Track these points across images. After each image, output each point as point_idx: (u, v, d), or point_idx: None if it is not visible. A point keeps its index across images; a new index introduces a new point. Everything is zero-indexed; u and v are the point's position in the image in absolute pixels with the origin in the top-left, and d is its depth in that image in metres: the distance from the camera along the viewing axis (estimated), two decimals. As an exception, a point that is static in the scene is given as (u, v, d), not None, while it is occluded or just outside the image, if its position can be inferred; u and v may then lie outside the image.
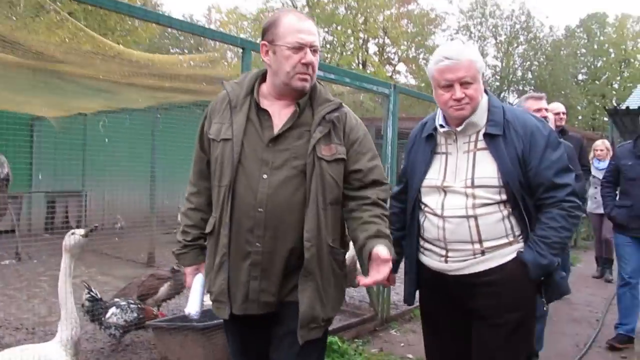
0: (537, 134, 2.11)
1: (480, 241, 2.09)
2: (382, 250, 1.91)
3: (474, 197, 2.08)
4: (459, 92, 2.05)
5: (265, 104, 2.02)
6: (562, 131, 4.57)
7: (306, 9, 30.75)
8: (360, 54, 32.57)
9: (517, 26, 30.69)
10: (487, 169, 2.09)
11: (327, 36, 32.03)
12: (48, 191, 7.09)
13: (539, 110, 3.58)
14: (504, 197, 2.08)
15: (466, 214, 2.09)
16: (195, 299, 2.14)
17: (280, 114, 2.01)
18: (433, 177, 2.19)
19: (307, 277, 1.96)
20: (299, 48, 1.93)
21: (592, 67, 40.66)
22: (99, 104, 6.00)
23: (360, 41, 32.93)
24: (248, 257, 1.96)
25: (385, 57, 34.92)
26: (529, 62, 30.96)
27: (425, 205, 2.22)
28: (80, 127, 7.14)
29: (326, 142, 1.98)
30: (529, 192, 2.10)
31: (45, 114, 5.65)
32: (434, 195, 2.18)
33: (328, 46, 32.12)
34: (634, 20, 40.11)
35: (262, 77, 2.09)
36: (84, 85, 4.60)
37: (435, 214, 2.16)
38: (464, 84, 2.05)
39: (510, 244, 2.11)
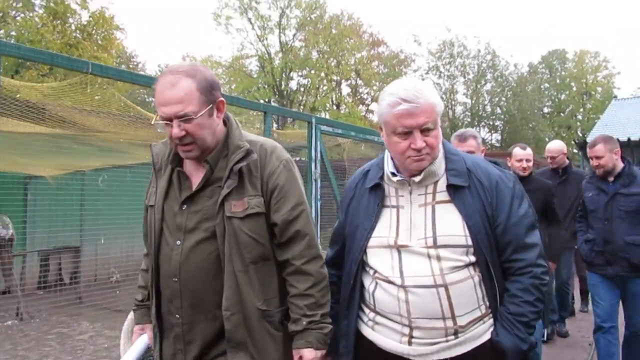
0: (502, 185, 1.84)
1: (453, 317, 1.74)
2: (307, 354, 1.79)
3: (439, 259, 1.75)
4: (419, 141, 1.74)
5: (186, 163, 1.87)
6: (528, 177, 4.25)
7: (280, 54, 31.55)
8: (334, 96, 33.37)
9: (484, 65, 32.04)
10: (452, 225, 1.77)
11: (301, 80, 32.87)
12: (42, 249, 7.09)
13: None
14: (472, 258, 1.76)
15: (434, 282, 1.73)
16: (129, 357, 2.00)
17: (197, 173, 1.84)
18: (382, 234, 1.84)
19: (235, 349, 1.77)
20: (166, 124, 1.75)
21: (557, 100, 42.59)
22: (104, 161, 6.14)
23: (334, 83, 33.80)
24: (172, 330, 1.84)
25: (358, 97, 35.80)
26: (497, 98, 32.19)
27: (376, 271, 1.85)
28: (78, 183, 7.24)
29: (238, 196, 1.77)
30: (497, 252, 1.81)
31: (48, 173, 5.78)
32: (386, 257, 1.82)
33: (302, 89, 32.87)
34: (592, 55, 42.42)
35: None
36: (96, 147, 4.76)
37: (391, 283, 1.79)
38: (425, 130, 1.74)
39: (481, 318, 1.80)
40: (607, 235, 3.88)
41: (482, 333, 1.78)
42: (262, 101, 31.69)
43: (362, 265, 1.89)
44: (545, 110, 41.75)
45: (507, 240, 1.80)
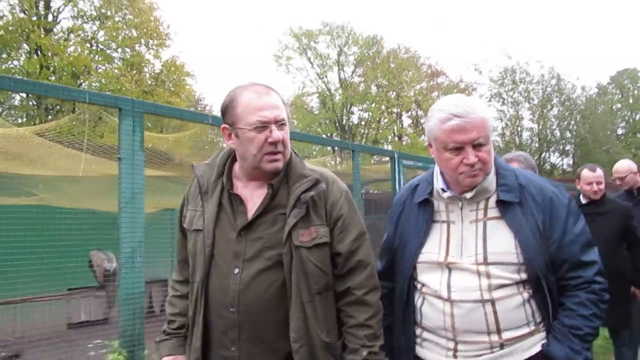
0: (556, 202, 1.79)
1: (498, 331, 1.72)
2: None
3: (489, 276, 1.72)
4: (472, 157, 1.71)
5: (238, 186, 1.81)
6: (601, 200, 3.98)
7: (339, 90, 32.16)
8: (395, 128, 33.45)
9: (549, 89, 31.21)
10: (503, 242, 1.74)
11: (362, 113, 33.25)
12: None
13: None
14: (524, 276, 1.73)
15: (481, 297, 1.71)
16: None
17: (253, 198, 1.79)
18: (432, 250, 1.83)
19: None
20: (263, 127, 1.71)
21: (631, 120, 40.48)
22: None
23: (394, 115, 33.94)
24: None
25: (420, 128, 35.70)
26: (565, 122, 31.13)
27: (424, 285, 1.85)
28: (168, 219, 7.62)
29: (305, 225, 1.73)
30: (552, 270, 1.76)
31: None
32: (435, 274, 1.81)
33: (363, 123, 33.21)
34: (666, 72, 40.20)
35: (235, 156, 1.87)
36: (186, 183, 5.07)
37: (439, 297, 1.78)
38: (477, 146, 1.71)
39: (531, 334, 1.75)
40: None
41: (531, 346, 1.74)
42: (324, 136, 32.32)
43: (413, 282, 1.88)
44: (620, 131, 39.82)
45: (563, 258, 1.75)
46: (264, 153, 1.72)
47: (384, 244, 2.08)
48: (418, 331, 1.88)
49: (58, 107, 17.34)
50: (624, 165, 4.90)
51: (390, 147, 32.96)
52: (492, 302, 1.70)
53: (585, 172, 3.99)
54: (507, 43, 60.29)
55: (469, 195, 1.79)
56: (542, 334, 1.75)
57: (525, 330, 1.74)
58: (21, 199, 5.85)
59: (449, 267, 1.78)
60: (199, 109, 32.62)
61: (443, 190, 1.84)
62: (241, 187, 1.81)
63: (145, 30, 19.12)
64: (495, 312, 1.70)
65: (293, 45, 32.10)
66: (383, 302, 1.88)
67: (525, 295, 1.73)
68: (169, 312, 1.96)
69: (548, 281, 1.73)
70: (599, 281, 1.76)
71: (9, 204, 5.59)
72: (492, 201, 1.79)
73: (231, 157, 1.87)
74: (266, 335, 1.71)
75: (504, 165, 1.87)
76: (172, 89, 20.33)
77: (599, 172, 3.96)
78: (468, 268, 1.74)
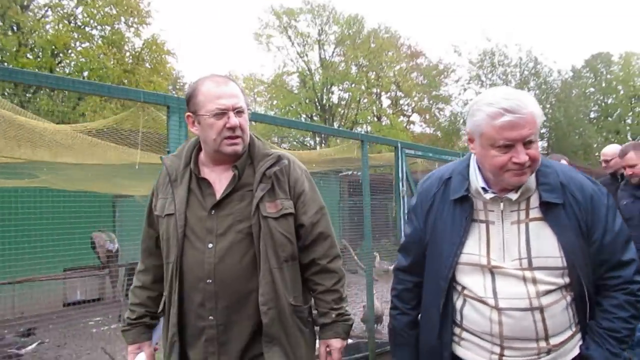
0: (597, 200, 1.75)
1: (546, 338, 1.71)
2: (335, 344, 2.00)
3: (535, 282, 1.69)
4: (523, 155, 1.62)
5: (205, 172, 1.97)
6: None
7: (320, 70, 32.16)
8: (374, 108, 33.67)
9: (526, 72, 31.70)
10: (547, 245, 1.70)
11: (342, 94, 33.36)
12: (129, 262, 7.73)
13: None
14: (567, 280, 1.71)
15: (530, 305, 1.69)
16: None
17: (220, 180, 1.95)
18: (473, 252, 1.77)
19: (271, 343, 1.85)
20: (222, 114, 1.87)
21: (603, 104, 41.48)
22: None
23: (374, 96, 34.12)
24: (202, 333, 1.86)
25: (399, 108, 35.96)
26: (541, 105, 31.66)
27: (464, 288, 1.80)
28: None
29: (271, 198, 1.91)
30: (592, 271, 1.74)
31: (141, 193, 6.35)
32: (477, 277, 1.77)
33: (343, 103, 33.33)
34: (639, 57, 41.20)
35: (200, 146, 2.03)
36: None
37: (485, 303, 1.74)
38: (527, 143, 1.64)
39: (572, 336, 1.77)
40: None
41: (572, 348, 1.76)
42: (304, 116, 32.37)
43: (452, 283, 1.82)
44: (592, 115, 40.78)
45: (603, 258, 1.73)
46: (223, 137, 1.88)
47: (409, 238, 1.98)
48: (457, 331, 1.84)
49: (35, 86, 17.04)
50: (611, 148, 5.11)
51: (369, 128, 33.21)
52: (541, 309, 1.68)
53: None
54: (487, 25, 60.92)
55: (514, 196, 1.71)
56: (580, 335, 1.77)
57: (569, 333, 1.75)
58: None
59: (492, 271, 1.73)
60: (177, 87, 32.31)
61: (484, 189, 1.75)
62: (208, 172, 1.96)
63: (125, 8, 18.81)
64: (543, 320, 1.69)
65: (274, 24, 31.86)
66: (405, 296, 1.95)
67: (568, 298, 1.73)
68: (131, 302, 2.09)
69: (588, 283, 1.71)
70: (638, 281, 1.73)
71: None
72: (534, 201, 1.73)
73: (197, 147, 2.02)
74: (241, 303, 1.85)
75: (545, 161, 1.78)
76: (152, 67, 20.12)
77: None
78: (513, 274, 1.70)
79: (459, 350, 1.83)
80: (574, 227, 1.70)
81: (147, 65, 19.71)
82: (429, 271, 1.89)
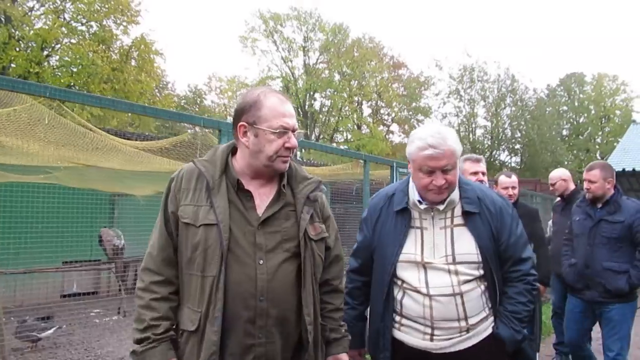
0: (504, 211, 2.23)
1: (466, 318, 2.11)
2: (344, 358, 2.05)
3: (457, 273, 2.11)
4: (440, 180, 2.08)
5: (243, 183, 1.90)
6: (515, 204, 4.24)
7: (304, 76, 32.62)
8: (355, 116, 34.20)
9: (504, 89, 32.68)
10: (467, 245, 2.13)
11: (324, 100, 33.83)
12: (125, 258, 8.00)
13: (475, 173, 3.61)
14: (481, 272, 2.14)
15: (453, 292, 2.10)
16: None
17: (260, 194, 1.91)
18: (410, 251, 2.17)
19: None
20: (284, 132, 1.87)
21: (575, 123, 43.03)
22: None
23: (355, 104, 34.68)
24: (249, 352, 1.79)
25: (379, 118, 36.59)
26: (516, 122, 32.72)
27: (404, 282, 2.18)
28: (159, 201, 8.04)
29: (312, 221, 1.94)
30: (500, 266, 2.19)
31: (142, 193, 6.68)
32: (413, 271, 2.16)
33: (325, 110, 33.82)
34: (610, 78, 42.91)
35: (231, 153, 1.97)
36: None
37: (419, 292, 2.13)
38: (445, 170, 2.08)
39: (486, 318, 2.17)
40: (589, 259, 3.97)
41: (486, 328, 2.17)
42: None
43: (393, 278, 2.20)
44: (564, 133, 42.22)
45: (509, 255, 2.20)
46: (279, 155, 1.87)
47: (360, 244, 2.39)
48: (397, 318, 2.22)
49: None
50: (556, 172, 5.44)
51: (350, 136, 33.79)
52: (461, 295, 2.10)
53: (502, 178, 4.42)
54: (469, 41, 62.29)
55: (441, 207, 2.17)
56: (492, 318, 2.18)
57: (483, 315, 2.16)
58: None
59: (425, 266, 2.14)
60: (161, 85, 32.34)
61: (420, 202, 2.19)
62: (246, 184, 1.89)
63: (115, 5, 18.95)
64: (463, 303, 2.10)
65: (260, 28, 32.25)
66: (355, 293, 2.36)
67: (482, 287, 2.15)
68: (151, 317, 1.81)
69: (497, 275, 2.17)
70: (533, 273, 2.24)
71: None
72: (457, 211, 2.19)
73: (229, 155, 1.96)
74: (286, 321, 1.85)
75: (465, 180, 2.31)
76: (139, 66, 20.24)
77: (514, 178, 4.40)
78: (441, 267, 2.12)
79: (398, 334, 2.21)
80: (487, 231, 2.16)
81: (133, 63, 19.84)
82: (376, 270, 2.29)
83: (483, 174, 3.66)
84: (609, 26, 64.20)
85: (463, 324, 2.11)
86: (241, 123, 1.89)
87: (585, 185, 4.04)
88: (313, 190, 1.96)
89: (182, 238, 1.85)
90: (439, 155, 2.05)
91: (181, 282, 1.87)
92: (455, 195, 2.17)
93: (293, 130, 1.90)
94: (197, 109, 32.71)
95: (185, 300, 1.84)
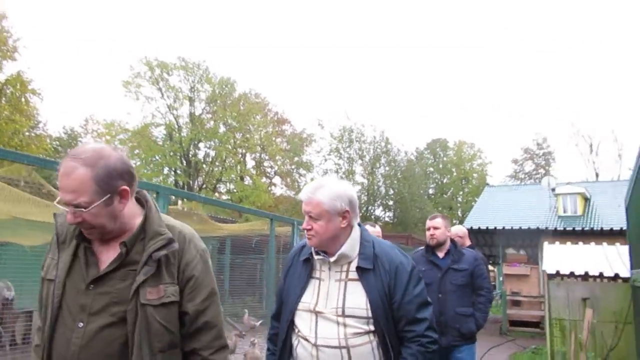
0: (401, 269, 2.21)
1: None
2: None
3: (345, 326, 2.13)
4: (305, 223, 2.23)
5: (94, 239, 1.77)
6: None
7: (189, 125, 32.49)
8: (239, 168, 34.53)
9: (379, 150, 35.11)
10: (358, 299, 2.15)
11: (209, 150, 33.83)
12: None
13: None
14: (372, 327, 2.14)
15: (339, 344, 2.12)
16: None
17: (108, 251, 1.75)
18: (307, 300, 2.23)
19: None
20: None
21: (440, 183, 47.65)
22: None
23: (240, 156, 35.10)
24: None
25: (262, 170, 37.30)
26: (389, 181, 35.17)
27: (299, 330, 2.23)
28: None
29: (154, 283, 1.71)
30: (393, 323, 2.18)
31: (29, 242, 6.40)
32: (307, 319, 2.21)
33: (209, 160, 33.75)
34: (469, 145, 48.59)
35: None
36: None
37: (308, 341, 2.18)
38: (312, 218, 2.19)
39: None
40: (442, 307, 4.11)
41: None
42: (166, 169, 32.13)
43: (292, 324, 2.27)
44: (431, 191, 46.40)
45: (401, 314, 2.18)
46: None
47: (279, 291, 2.49)
48: None
49: None
50: (454, 228, 5.41)
51: (233, 186, 33.94)
52: (348, 349, 2.11)
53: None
54: (348, 104, 66.46)
55: (332, 259, 2.21)
56: None
57: None
58: None
59: (316, 314, 2.18)
60: (31, 125, 30.19)
61: (317, 253, 2.26)
62: (97, 241, 1.77)
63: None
64: (350, 357, 2.11)
65: (145, 74, 31.76)
66: (273, 339, 2.40)
67: (374, 343, 2.14)
68: None
69: (389, 333, 2.15)
70: (429, 335, 2.19)
71: None
72: (353, 265, 2.22)
73: None
74: None
75: (367, 237, 2.31)
76: (12, 104, 19.05)
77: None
78: (330, 318, 2.15)
79: None
80: (380, 287, 2.17)
81: (7, 101, 18.66)
82: (281, 317, 2.37)
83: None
84: (470, 96, 72.58)
85: None
86: (125, 188, 1.76)
87: (430, 232, 4.30)
88: (159, 249, 1.73)
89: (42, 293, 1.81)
90: (306, 201, 2.22)
91: None
92: (350, 250, 2.23)
93: (69, 205, 1.67)
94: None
95: None
